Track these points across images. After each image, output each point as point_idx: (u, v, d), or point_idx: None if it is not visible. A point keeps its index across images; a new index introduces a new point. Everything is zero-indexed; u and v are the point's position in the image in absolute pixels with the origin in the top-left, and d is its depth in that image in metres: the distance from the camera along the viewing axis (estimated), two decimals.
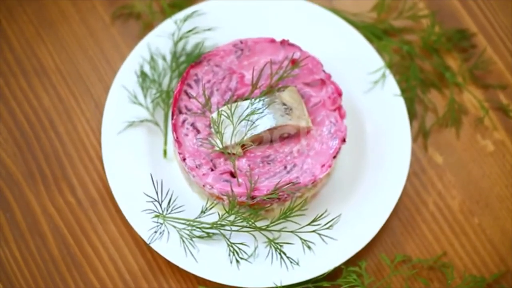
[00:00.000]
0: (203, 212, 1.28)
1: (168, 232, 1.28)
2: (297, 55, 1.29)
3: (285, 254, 1.28)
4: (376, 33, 1.41)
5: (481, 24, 1.43)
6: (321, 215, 1.29)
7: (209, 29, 1.36)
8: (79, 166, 1.36)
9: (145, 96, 1.34)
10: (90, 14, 1.42)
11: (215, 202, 1.28)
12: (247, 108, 1.25)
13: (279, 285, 1.27)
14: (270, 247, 1.28)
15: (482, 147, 1.39)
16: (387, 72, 1.35)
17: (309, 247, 1.29)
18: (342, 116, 1.28)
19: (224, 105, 1.27)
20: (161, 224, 1.28)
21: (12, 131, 1.37)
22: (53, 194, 1.35)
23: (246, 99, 1.28)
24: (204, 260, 1.28)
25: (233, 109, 1.24)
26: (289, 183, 1.24)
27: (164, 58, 1.35)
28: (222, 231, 1.28)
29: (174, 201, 1.30)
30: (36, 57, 1.40)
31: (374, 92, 1.35)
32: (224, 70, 1.29)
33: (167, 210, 1.29)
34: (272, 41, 1.30)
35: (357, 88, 1.36)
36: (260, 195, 1.24)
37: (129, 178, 1.31)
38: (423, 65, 1.41)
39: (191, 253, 1.28)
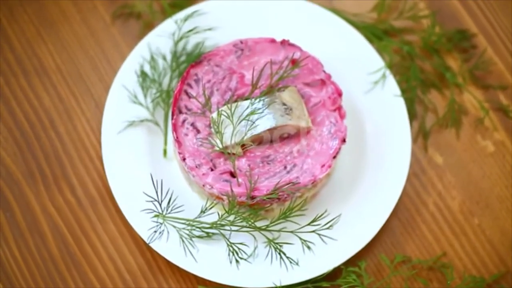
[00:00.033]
0: (202, 212, 1.28)
1: (168, 232, 1.28)
2: (297, 55, 1.29)
3: (284, 254, 1.28)
4: (376, 33, 1.41)
5: (482, 25, 1.43)
6: (321, 215, 1.29)
7: (209, 29, 1.36)
8: (79, 166, 1.36)
9: (145, 96, 1.34)
10: (90, 14, 1.42)
11: (214, 202, 1.28)
12: (247, 108, 1.25)
13: (278, 285, 1.27)
14: (270, 247, 1.28)
15: (482, 148, 1.39)
16: (387, 72, 1.35)
17: (308, 247, 1.29)
18: (342, 116, 1.28)
19: (224, 105, 1.27)
20: (161, 223, 1.28)
21: (12, 130, 1.37)
22: (53, 194, 1.35)
23: (246, 99, 1.28)
24: (203, 260, 1.28)
25: (233, 109, 1.24)
26: (289, 183, 1.24)
27: (164, 58, 1.35)
28: (221, 231, 1.28)
29: (174, 201, 1.30)
30: (36, 56, 1.40)
31: (374, 92, 1.35)
32: (224, 70, 1.29)
33: (166, 210, 1.29)
34: (273, 41, 1.30)
35: (357, 88, 1.36)
36: (260, 195, 1.24)
37: (129, 177, 1.31)
38: (423, 65, 1.41)
39: (190, 253, 1.28)
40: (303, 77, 1.29)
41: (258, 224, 1.29)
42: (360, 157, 1.34)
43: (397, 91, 1.35)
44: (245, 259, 1.28)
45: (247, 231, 1.28)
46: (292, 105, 1.26)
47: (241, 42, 1.30)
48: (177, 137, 1.26)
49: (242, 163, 1.26)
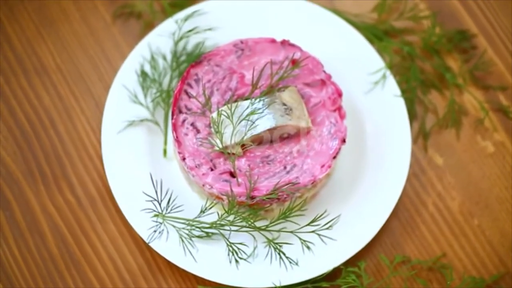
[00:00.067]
0: (202, 211, 1.28)
1: (168, 232, 1.28)
2: (297, 55, 1.29)
3: (284, 254, 1.28)
4: (376, 33, 1.41)
5: (482, 25, 1.43)
6: (321, 215, 1.29)
7: (209, 29, 1.36)
8: (79, 165, 1.36)
9: (145, 96, 1.34)
10: (91, 13, 1.42)
11: (214, 202, 1.28)
12: (247, 108, 1.25)
13: (278, 285, 1.27)
14: (270, 247, 1.28)
15: (482, 148, 1.39)
16: (388, 72, 1.35)
17: (308, 248, 1.29)
18: (342, 117, 1.28)
19: (224, 105, 1.27)
20: (161, 223, 1.28)
21: (12, 129, 1.37)
22: (52, 193, 1.35)
23: (246, 99, 1.28)
24: (203, 259, 1.28)
25: (233, 109, 1.24)
26: (288, 183, 1.24)
27: (164, 58, 1.35)
28: (221, 231, 1.28)
29: (174, 200, 1.30)
30: (36, 55, 1.40)
31: (374, 92, 1.35)
32: (224, 70, 1.29)
33: (166, 210, 1.29)
34: (273, 41, 1.30)
35: (357, 88, 1.36)
36: (260, 195, 1.24)
37: (128, 177, 1.31)
38: (423, 66, 1.41)
39: (190, 252, 1.28)
40: (303, 77, 1.29)
41: (258, 224, 1.29)
42: (360, 158, 1.34)
43: (397, 91, 1.35)
44: (245, 259, 1.28)
45: (246, 231, 1.28)
46: (292, 105, 1.26)
47: (242, 42, 1.30)
48: (177, 137, 1.26)
49: (242, 163, 1.26)
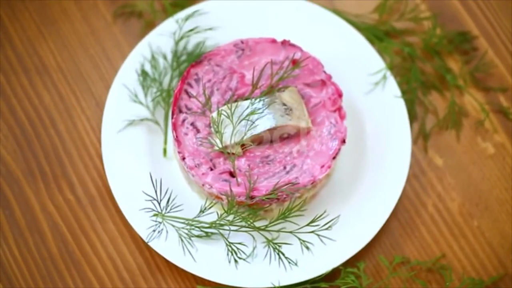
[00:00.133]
0: (202, 211, 1.28)
1: (167, 231, 1.28)
2: (297, 55, 1.29)
3: (283, 254, 1.28)
4: (377, 34, 1.41)
5: (483, 27, 1.43)
6: (320, 215, 1.29)
7: (210, 29, 1.36)
8: (78, 164, 1.36)
9: (145, 95, 1.34)
10: (91, 13, 1.42)
11: (214, 201, 1.28)
12: (247, 108, 1.25)
13: (277, 285, 1.27)
14: (269, 247, 1.28)
15: (482, 150, 1.39)
16: (388, 73, 1.35)
17: (307, 248, 1.28)
18: (342, 117, 1.28)
19: (224, 104, 1.27)
20: (160, 223, 1.28)
21: (12, 128, 1.37)
22: (52, 192, 1.35)
23: (246, 99, 1.28)
24: (202, 259, 1.28)
25: (233, 109, 1.24)
26: (288, 184, 1.24)
27: (165, 57, 1.35)
28: (220, 230, 1.28)
29: (173, 200, 1.30)
30: (37, 55, 1.40)
31: (374, 93, 1.35)
32: (224, 69, 1.29)
33: (166, 209, 1.29)
34: (273, 41, 1.30)
35: (357, 89, 1.36)
36: (259, 195, 1.24)
37: (128, 176, 1.31)
38: (424, 67, 1.41)
39: (189, 252, 1.28)
40: (304, 77, 1.29)
41: (257, 224, 1.29)
42: (360, 158, 1.34)
43: (398, 92, 1.35)
44: (244, 259, 1.28)
45: (246, 231, 1.28)
46: (292, 105, 1.26)
47: (242, 42, 1.30)
48: (176, 137, 1.26)
49: (242, 163, 1.26)
